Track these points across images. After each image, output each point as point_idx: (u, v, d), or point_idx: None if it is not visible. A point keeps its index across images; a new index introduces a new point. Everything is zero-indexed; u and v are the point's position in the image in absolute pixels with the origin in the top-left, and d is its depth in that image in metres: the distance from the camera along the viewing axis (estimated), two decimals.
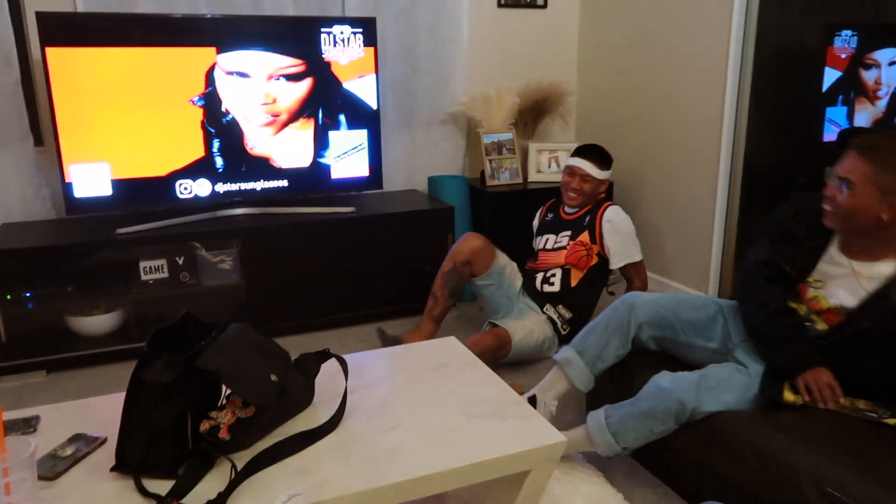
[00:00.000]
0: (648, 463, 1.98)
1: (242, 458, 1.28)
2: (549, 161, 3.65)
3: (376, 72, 3.08)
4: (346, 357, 1.69)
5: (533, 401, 2.08)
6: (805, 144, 3.42)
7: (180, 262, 2.80)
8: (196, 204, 2.91)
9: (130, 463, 1.24)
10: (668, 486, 1.91)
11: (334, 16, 3.30)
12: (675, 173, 3.37)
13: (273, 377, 1.35)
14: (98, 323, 2.74)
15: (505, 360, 2.60)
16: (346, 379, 1.51)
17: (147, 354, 1.25)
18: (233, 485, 1.21)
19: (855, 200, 1.58)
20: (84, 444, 1.36)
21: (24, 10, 2.85)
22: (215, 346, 1.29)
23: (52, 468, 1.27)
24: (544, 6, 3.80)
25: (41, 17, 2.54)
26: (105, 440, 1.38)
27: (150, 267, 2.76)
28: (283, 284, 2.96)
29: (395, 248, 3.14)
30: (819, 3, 3.42)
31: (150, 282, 2.76)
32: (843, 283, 1.68)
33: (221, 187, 2.93)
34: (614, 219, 2.72)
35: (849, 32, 3.22)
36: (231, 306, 2.91)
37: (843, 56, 3.24)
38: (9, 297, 2.60)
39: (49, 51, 2.57)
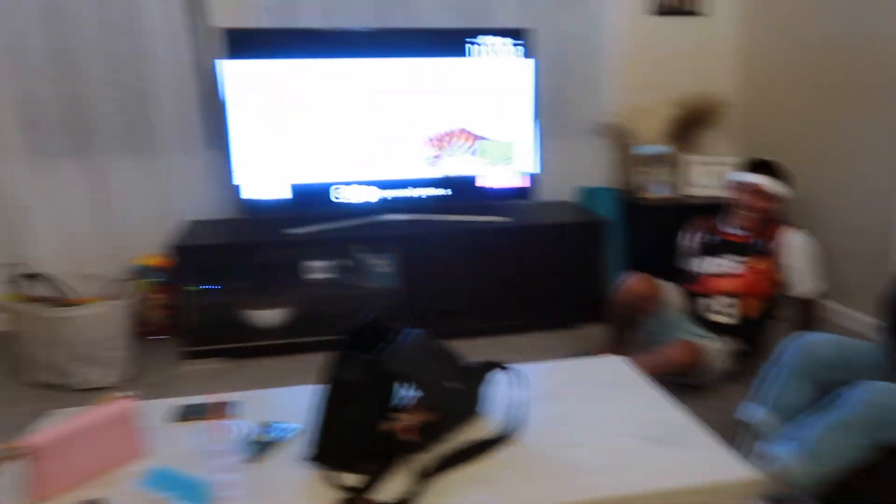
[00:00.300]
0: None
1: (424, 461, 1.32)
2: (706, 175, 3.49)
3: (534, 83, 3.09)
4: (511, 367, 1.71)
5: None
6: None
7: (342, 263, 2.95)
8: (359, 209, 3.06)
9: (326, 456, 1.32)
10: None
11: (491, 27, 3.33)
12: (854, 187, 3.10)
13: (455, 384, 1.39)
14: (270, 317, 2.95)
15: (691, 380, 2.40)
16: (522, 391, 1.52)
17: (344, 354, 1.32)
18: (421, 485, 1.25)
19: None
20: (279, 432, 1.46)
21: (207, 25, 3.12)
22: (405, 351, 1.34)
23: (251, 453, 1.38)
24: (702, 14, 3.65)
25: (224, 31, 2.79)
26: (297, 430, 1.47)
27: (315, 267, 2.93)
28: (438, 290, 3.04)
29: (548, 260, 3.13)
30: None
31: (315, 281, 2.93)
32: None
33: (383, 193, 3.06)
34: (793, 244, 2.49)
35: None
36: (389, 308, 3.03)
37: None
38: (196, 288, 2.86)
39: (229, 63, 2.80)
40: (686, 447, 1.40)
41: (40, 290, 2.71)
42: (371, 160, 3.02)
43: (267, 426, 1.48)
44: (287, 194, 2.96)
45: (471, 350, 2.92)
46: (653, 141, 3.48)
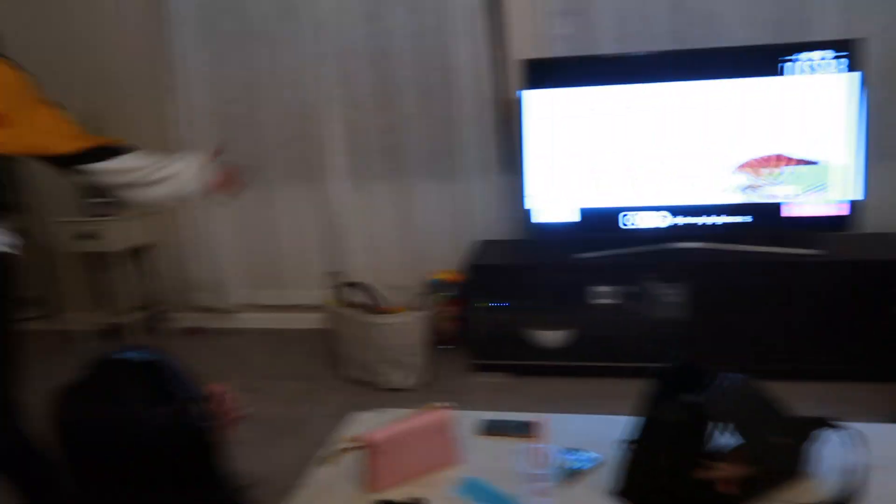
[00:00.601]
0: None
1: None
2: None
3: (859, 98, 2.71)
4: None
5: None
6: None
7: (628, 290, 2.89)
8: (648, 235, 2.98)
9: (634, 493, 1.29)
10: None
11: (811, 41, 2.98)
12: None
13: (780, 438, 1.27)
14: (553, 338, 3.01)
15: None
16: (859, 454, 1.32)
17: (660, 392, 1.28)
18: None
19: None
20: (584, 460, 1.46)
21: (508, 58, 3.29)
22: (725, 395, 1.26)
23: (558, 478, 1.41)
24: None
25: (524, 62, 2.93)
26: (599, 460, 1.46)
27: (600, 292, 2.91)
28: (730, 325, 2.82)
29: (866, 300, 2.72)
30: None
31: (600, 306, 2.92)
32: None
33: (675, 220, 2.94)
34: None
35: None
36: (672, 341, 2.89)
37: None
38: (486, 304, 3.03)
39: (528, 92, 2.93)
40: None
41: (358, 296, 3.10)
42: (665, 186, 2.92)
43: (572, 452, 1.50)
44: (576, 217, 3.00)
45: (783, 395, 2.67)
46: None
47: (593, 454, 1.48)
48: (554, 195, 3.00)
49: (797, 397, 2.65)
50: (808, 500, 1.26)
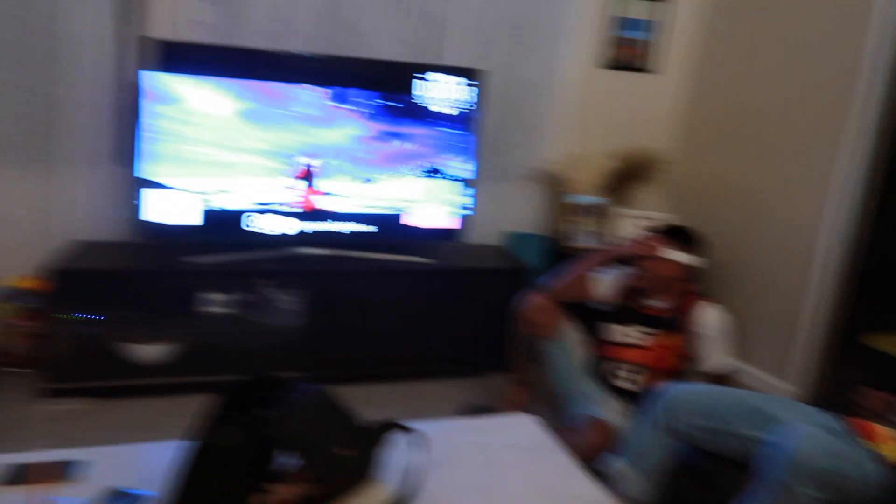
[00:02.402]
0: None
1: None
2: (635, 228, 3.44)
3: (476, 124, 2.97)
4: (411, 425, 1.50)
5: None
6: None
7: (244, 298, 2.69)
8: (268, 240, 2.82)
9: None
10: None
11: (443, 64, 3.17)
12: (769, 257, 3.13)
13: (346, 451, 1.18)
14: (153, 352, 2.64)
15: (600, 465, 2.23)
16: (422, 454, 1.32)
17: (216, 414, 1.09)
18: None
19: None
20: (128, 503, 1.20)
21: (136, 35, 2.86)
22: (292, 413, 1.13)
23: None
24: (653, 71, 3.65)
25: (153, 42, 2.55)
26: (152, 498, 1.21)
27: (214, 300, 2.66)
28: (348, 331, 2.82)
29: (471, 305, 2.98)
30: None
31: (212, 315, 2.66)
32: None
33: (296, 225, 2.84)
34: (707, 322, 2.34)
35: None
36: (293, 348, 2.77)
37: None
38: (71, 316, 2.53)
39: (151, 74, 2.55)
40: None
41: None
42: (294, 190, 2.80)
43: (115, 495, 1.22)
44: (197, 220, 2.69)
45: (376, 397, 2.75)
46: (587, 191, 3.42)
47: (148, 492, 1.22)
48: (173, 193, 2.65)
49: (402, 396, 2.83)
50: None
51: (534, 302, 2.52)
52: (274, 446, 1.13)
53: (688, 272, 2.36)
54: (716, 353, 2.33)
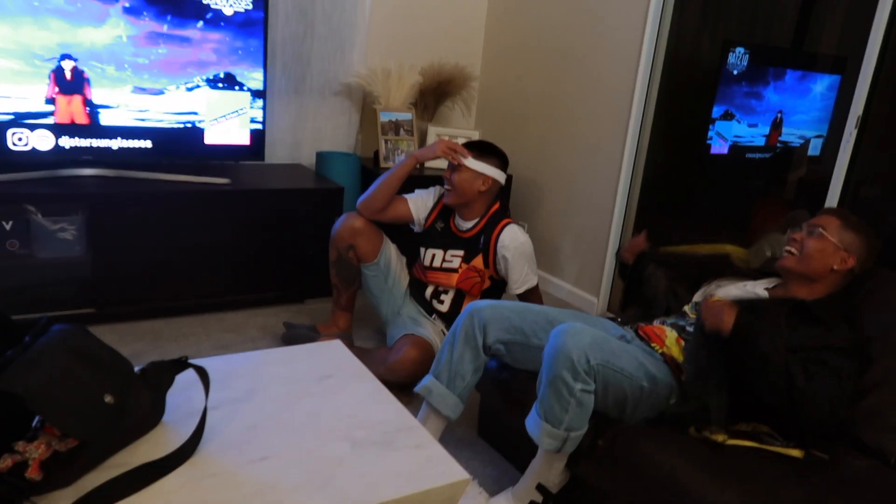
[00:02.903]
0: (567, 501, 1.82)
1: (61, 500, 0.98)
2: (438, 136, 3.46)
3: (264, 28, 2.72)
4: (210, 361, 1.41)
5: None
6: (696, 156, 3.48)
7: (8, 226, 2.33)
8: (34, 159, 2.44)
9: None
10: None
11: None
12: (575, 173, 3.29)
13: (108, 398, 1.05)
14: None
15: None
16: (207, 394, 1.23)
17: None
18: None
19: (819, 244, 1.72)
20: None
21: None
22: (27, 359, 0.97)
23: None
24: None
25: None
26: None
27: None
28: (138, 261, 2.56)
29: (275, 229, 2.82)
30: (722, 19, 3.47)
31: None
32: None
33: (68, 142, 2.48)
34: (511, 244, 2.36)
35: (741, 50, 3.29)
36: (71, 284, 2.48)
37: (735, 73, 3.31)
38: None
39: None
40: (397, 448, 1.24)
41: None
42: (60, 100, 2.41)
43: None
44: None
45: (172, 330, 2.58)
46: (398, 108, 3.34)
47: None
48: None
49: (209, 329, 2.68)
50: (148, 460, 1.09)
51: (348, 223, 2.45)
52: (13, 402, 0.97)
53: (491, 186, 2.38)
54: (521, 276, 2.40)
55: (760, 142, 3.52)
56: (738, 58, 3.29)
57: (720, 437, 1.56)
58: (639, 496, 1.55)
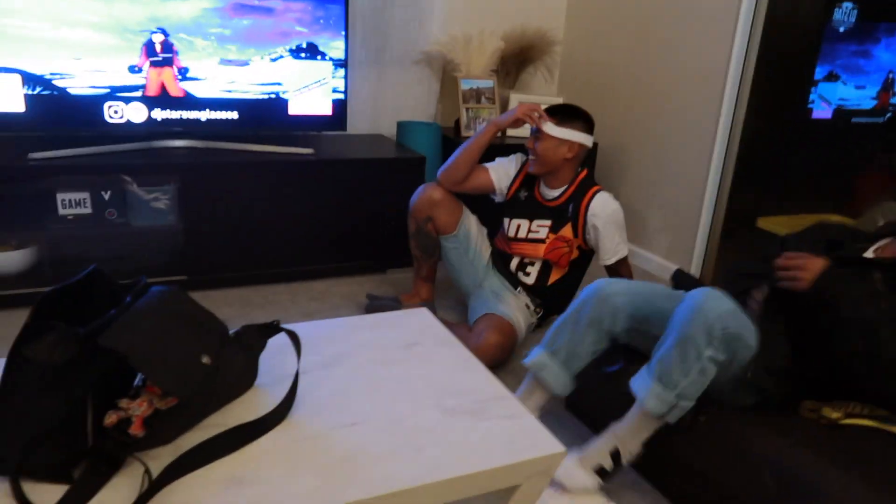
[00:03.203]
0: (652, 477, 1.75)
1: (160, 458, 1.00)
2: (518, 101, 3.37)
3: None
4: (301, 326, 1.41)
5: None
6: (796, 121, 3.25)
7: (106, 196, 2.43)
8: (129, 131, 2.52)
9: (8, 461, 0.94)
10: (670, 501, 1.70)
11: None
12: (665, 141, 3.14)
13: (205, 359, 1.06)
14: (7, 260, 2.36)
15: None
16: (298, 358, 1.22)
17: (34, 325, 0.93)
18: (145, 495, 0.93)
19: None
20: None
21: None
22: (129, 318, 0.99)
23: None
24: None
25: None
26: None
27: (71, 200, 2.38)
28: (227, 230, 2.62)
29: (357, 198, 2.82)
30: None
31: (70, 217, 2.39)
32: None
33: (160, 114, 2.55)
34: (603, 212, 2.26)
35: (849, 5, 3.02)
36: (165, 252, 2.56)
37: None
38: None
39: None
40: (489, 418, 1.21)
41: None
42: (152, 72, 2.48)
43: None
44: (19, 107, 2.34)
45: (260, 297, 2.63)
46: (479, 76, 3.27)
47: None
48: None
49: (294, 298, 2.72)
50: (241, 422, 1.10)
51: (426, 195, 2.41)
52: (114, 359, 0.98)
53: (578, 152, 2.28)
54: (612, 246, 2.31)
55: (869, 105, 3.24)
56: (844, 14, 3.03)
57: (835, 415, 1.44)
58: (734, 479, 1.46)
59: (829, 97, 3.12)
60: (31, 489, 0.93)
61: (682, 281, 1.84)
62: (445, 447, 1.12)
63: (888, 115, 3.28)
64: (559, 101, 3.39)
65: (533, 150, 2.30)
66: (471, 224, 2.47)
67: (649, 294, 1.77)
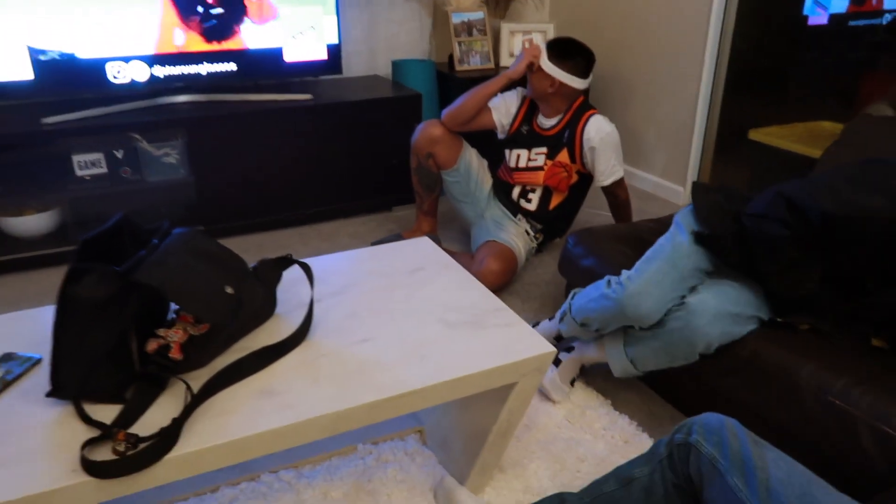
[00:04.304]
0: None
1: (198, 379, 1.14)
2: (522, 43, 3.39)
3: None
4: (312, 261, 1.54)
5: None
6: (791, 29, 3.24)
7: (119, 155, 2.54)
8: (133, 90, 2.61)
9: (68, 388, 1.09)
10: (658, 394, 1.86)
11: None
12: (656, 60, 3.16)
13: (228, 289, 1.19)
14: (31, 224, 2.50)
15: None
16: (312, 287, 1.36)
17: (77, 267, 1.06)
18: (189, 409, 1.08)
19: None
20: (16, 365, 1.20)
21: None
22: (158, 257, 1.11)
23: None
24: None
25: None
26: (40, 360, 1.22)
27: (86, 161, 2.50)
28: (237, 179, 2.74)
29: (358, 139, 2.91)
30: None
31: (87, 178, 2.51)
32: None
33: (161, 71, 2.62)
34: (597, 134, 2.33)
35: None
36: (180, 204, 2.69)
37: None
38: None
39: None
40: (487, 327, 1.34)
41: None
42: (142, 29, 2.54)
43: (5, 358, 1.21)
44: (27, 74, 2.42)
45: (274, 242, 2.76)
46: (469, 8, 3.29)
47: (30, 355, 1.22)
48: (2, 44, 2.36)
49: (305, 239, 2.85)
50: (264, 344, 1.24)
51: (426, 132, 2.49)
52: (149, 293, 1.11)
53: (558, 88, 2.33)
54: (608, 168, 2.39)
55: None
56: None
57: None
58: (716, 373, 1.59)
59: (824, 2, 3.11)
60: (92, 410, 1.08)
61: (697, 192, 1.80)
62: (448, 354, 1.26)
63: (886, 16, 3.26)
64: (550, 27, 3.41)
65: (530, 83, 2.37)
66: (471, 157, 2.55)
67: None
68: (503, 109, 2.49)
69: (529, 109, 2.47)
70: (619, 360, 1.71)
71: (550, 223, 2.53)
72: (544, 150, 2.42)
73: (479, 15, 3.30)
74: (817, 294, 1.51)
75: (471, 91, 2.45)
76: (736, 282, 1.59)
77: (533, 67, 2.33)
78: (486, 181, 2.59)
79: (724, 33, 2.86)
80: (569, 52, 2.33)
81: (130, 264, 1.08)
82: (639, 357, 1.68)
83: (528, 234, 2.50)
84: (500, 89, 2.42)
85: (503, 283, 2.36)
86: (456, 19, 3.26)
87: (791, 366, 1.43)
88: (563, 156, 2.40)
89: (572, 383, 1.85)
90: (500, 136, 2.54)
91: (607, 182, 2.41)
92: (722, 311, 1.53)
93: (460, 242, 2.78)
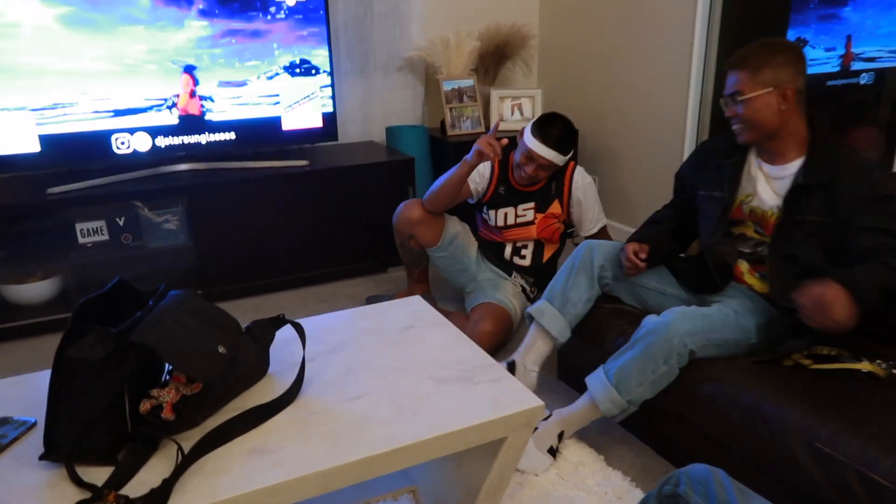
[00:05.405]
0: (632, 426, 1.91)
1: (191, 439, 1.16)
2: (511, 108, 3.51)
3: (326, 14, 2.86)
4: (305, 321, 1.57)
5: (512, 367, 1.99)
6: None
7: (121, 222, 2.61)
8: (135, 160, 2.70)
9: (61, 450, 1.11)
10: (651, 447, 1.86)
11: None
12: (642, 120, 3.27)
13: (221, 349, 1.22)
14: (34, 291, 2.55)
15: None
16: (304, 346, 1.38)
17: (74, 328, 1.10)
18: (179, 469, 1.09)
19: (752, 105, 1.66)
20: (11, 429, 1.22)
21: None
22: (153, 318, 1.15)
23: None
24: None
25: None
26: (34, 424, 1.24)
27: (88, 229, 2.57)
28: (235, 244, 2.80)
29: (354, 203, 2.98)
30: None
31: (90, 245, 2.57)
32: (763, 189, 1.76)
33: (163, 141, 2.72)
34: (582, 183, 2.41)
35: None
36: (179, 269, 2.74)
37: None
38: None
39: None
40: (477, 383, 1.36)
41: None
42: (148, 102, 2.65)
43: (3, 423, 1.23)
44: (34, 147, 2.50)
45: (273, 305, 2.80)
46: (459, 76, 3.42)
47: (25, 419, 1.24)
48: (9, 118, 2.45)
49: (303, 301, 2.87)
50: (258, 403, 1.26)
51: (405, 216, 2.51)
52: (143, 353, 1.14)
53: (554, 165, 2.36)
54: (590, 218, 2.46)
55: (836, 67, 3.34)
56: None
57: (806, 362, 1.58)
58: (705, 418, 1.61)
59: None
60: (84, 472, 1.09)
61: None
62: (439, 409, 1.27)
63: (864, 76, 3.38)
64: (538, 93, 3.53)
65: (530, 176, 2.38)
66: (454, 229, 2.55)
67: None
68: (476, 177, 2.49)
69: (502, 170, 2.49)
70: (602, 387, 1.71)
71: (545, 275, 2.54)
72: (532, 204, 2.46)
73: (469, 82, 3.43)
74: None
75: (443, 177, 2.44)
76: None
77: (483, 158, 2.28)
78: (472, 245, 2.60)
79: (705, 93, 2.97)
80: (552, 138, 2.30)
81: (127, 325, 1.12)
82: (620, 376, 1.68)
83: (524, 291, 2.52)
84: (467, 173, 2.37)
85: (498, 343, 2.36)
86: (447, 87, 3.38)
87: (778, 411, 1.44)
88: (555, 207, 2.45)
89: (553, 453, 1.78)
90: (473, 200, 2.55)
91: (596, 229, 2.48)
92: (689, 310, 1.68)
93: (454, 302, 2.81)
